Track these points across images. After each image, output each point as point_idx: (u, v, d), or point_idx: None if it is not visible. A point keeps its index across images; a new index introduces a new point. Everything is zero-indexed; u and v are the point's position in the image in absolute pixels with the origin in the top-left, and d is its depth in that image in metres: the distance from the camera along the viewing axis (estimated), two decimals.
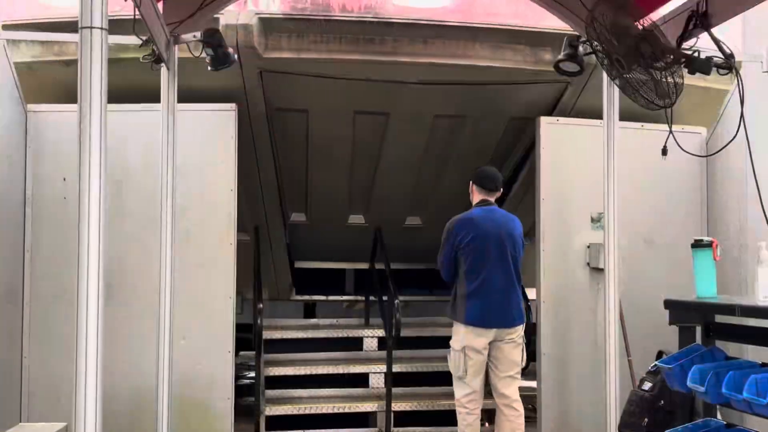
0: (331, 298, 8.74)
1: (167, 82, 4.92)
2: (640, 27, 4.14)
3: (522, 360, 5.60)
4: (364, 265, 8.54)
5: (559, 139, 6.30)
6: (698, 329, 4.48)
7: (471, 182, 5.78)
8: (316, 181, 7.55)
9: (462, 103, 6.68)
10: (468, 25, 5.87)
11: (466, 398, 5.49)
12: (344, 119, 6.79)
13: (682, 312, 4.51)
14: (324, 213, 8.02)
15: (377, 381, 7.09)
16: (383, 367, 6.92)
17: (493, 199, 5.72)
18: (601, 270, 5.68)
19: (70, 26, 4.88)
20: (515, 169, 7.48)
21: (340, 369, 7.13)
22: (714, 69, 4.22)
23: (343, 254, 8.79)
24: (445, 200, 7.49)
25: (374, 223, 8.17)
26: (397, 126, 6.88)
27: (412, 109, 6.69)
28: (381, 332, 7.39)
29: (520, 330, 5.56)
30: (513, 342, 5.51)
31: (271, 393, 6.96)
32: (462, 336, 5.47)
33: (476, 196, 5.73)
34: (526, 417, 7.63)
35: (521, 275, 5.67)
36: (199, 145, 5.80)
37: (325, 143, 7.03)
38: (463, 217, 5.67)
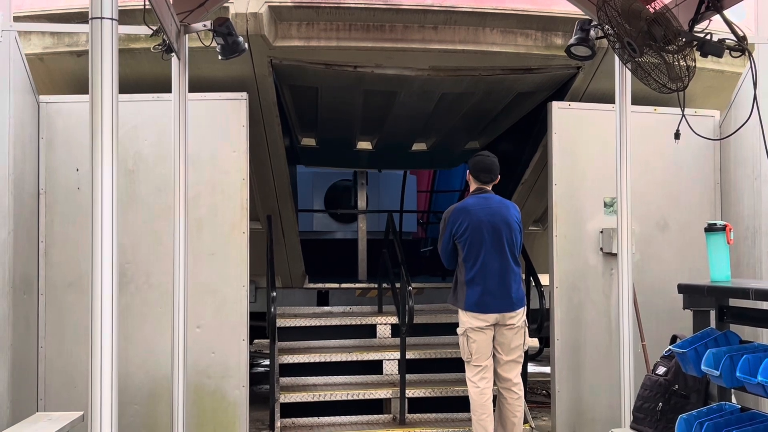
0: (343, 285, 8.76)
1: (178, 71, 4.93)
2: (652, 10, 4.12)
3: (524, 343, 5.64)
4: (372, 169, 10.49)
5: (571, 124, 6.28)
6: (712, 313, 4.46)
7: (468, 171, 5.79)
8: (324, 119, 8.12)
9: (470, 85, 6.69)
10: (478, 10, 5.84)
11: (476, 376, 5.52)
12: (353, 94, 6.97)
13: (696, 296, 4.48)
14: (333, 138, 9.00)
15: (391, 368, 7.10)
16: (397, 354, 6.94)
17: (489, 188, 5.73)
18: (615, 255, 5.67)
19: (81, 17, 4.89)
20: (527, 152, 7.47)
21: (354, 356, 7.14)
22: (726, 52, 4.18)
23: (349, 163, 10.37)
24: (451, 127, 8.43)
25: (381, 147, 9.29)
26: (405, 100, 7.09)
27: (420, 89, 6.73)
28: (394, 319, 7.40)
29: (521, 313, 5.59)
30: (514, 327, 5.54)
31: (285, 380, 6.99)
32: (464, 321, 5.55)
33: (473, 185, 5.76)
34: (540, 402, 7.67)
35: (519, 260, 5.68)
36: (211, 134, 5.82)
37: (333, 108, 7.50)
38: (458, 206, 5.72)
